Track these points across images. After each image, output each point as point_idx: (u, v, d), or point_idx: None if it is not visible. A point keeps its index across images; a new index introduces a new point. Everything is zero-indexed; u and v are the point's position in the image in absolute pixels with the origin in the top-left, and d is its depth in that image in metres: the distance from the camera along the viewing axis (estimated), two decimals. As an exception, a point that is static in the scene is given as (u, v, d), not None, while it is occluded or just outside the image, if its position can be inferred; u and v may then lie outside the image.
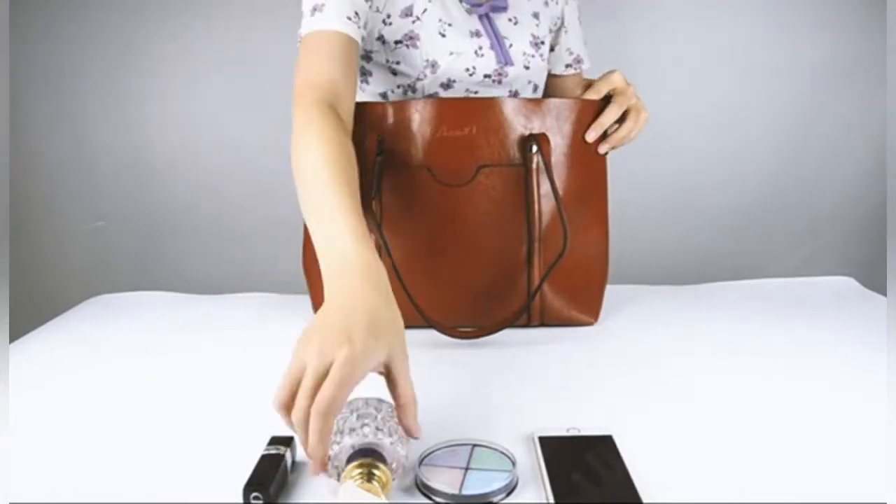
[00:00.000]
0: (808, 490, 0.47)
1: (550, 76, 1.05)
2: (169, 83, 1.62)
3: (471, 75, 0.89)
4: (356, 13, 0.81)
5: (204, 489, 0.48)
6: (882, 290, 0.87)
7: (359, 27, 0.81)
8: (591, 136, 0.81)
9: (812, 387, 0.64)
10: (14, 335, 0.80)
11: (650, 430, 0.55)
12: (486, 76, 0.90)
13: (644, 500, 0.44)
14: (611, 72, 0.83)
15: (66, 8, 1.56)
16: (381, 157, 0.77)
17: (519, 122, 0.79)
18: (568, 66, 1.03)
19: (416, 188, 0.78)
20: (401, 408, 0.51)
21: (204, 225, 1.68)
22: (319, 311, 0.52)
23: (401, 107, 0.78)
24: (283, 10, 1.54)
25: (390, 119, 0.78)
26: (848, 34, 1.62)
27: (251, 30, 1.57)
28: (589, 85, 0.86)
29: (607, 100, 0.82)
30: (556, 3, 0.98)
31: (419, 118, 0.78)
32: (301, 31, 0.80)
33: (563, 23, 1.00)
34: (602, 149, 0.82)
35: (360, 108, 0.78)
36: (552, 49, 1.03)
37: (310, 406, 0.46)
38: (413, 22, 0.86)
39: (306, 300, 0.86)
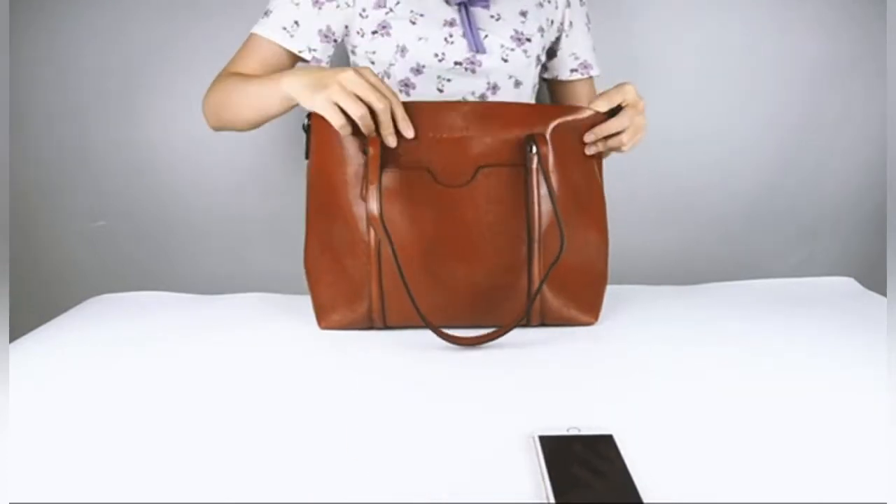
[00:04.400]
0: (808, 490, 0.47)
1: (558, 82, 1.05)
2: (170, 82, 1.61)
3: (440, 61, 0.91)
4: (296, 22, 0.92)
5: (204, 489, 0.49)
6: (882, 290, 0.87)
7: (292, 36, 0.93)
8: (589, 137, 0.80)
9: (812, 387, 0.64)
10: (14, 335, 0.80)
11: (650, 429, 0.55)
12: (456, 63, 0.92)
13: (644, 500, 0.45)
14: (624, 83, 0.82)
15: (67, 6, 1.56)
16: (382, 156, 0.78)
17: (516, 124, 0.79)
18: (573, 70, 1.04)
19: (415, 189, 0.78)
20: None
21: (205, 225, 1.67)
22: (297, 83, 0.76)
23: None
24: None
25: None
26: (846, 33, 1.61)
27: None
28: (600, 96, 0.86)
29: (611, 112, 0.81)
30: (556, 7, 0.99)
31: (418, 121, 0.78)
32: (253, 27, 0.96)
33: (563, 27, 1.00)
34: (589, 150, 0.81)
35: None
36: (555, 54, 1.03)
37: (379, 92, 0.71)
38: (386, 13, 0.91)
39: (307, 300, 0.86)
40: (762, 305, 0.90)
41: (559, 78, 1.05)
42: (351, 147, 0.78)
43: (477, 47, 0.92)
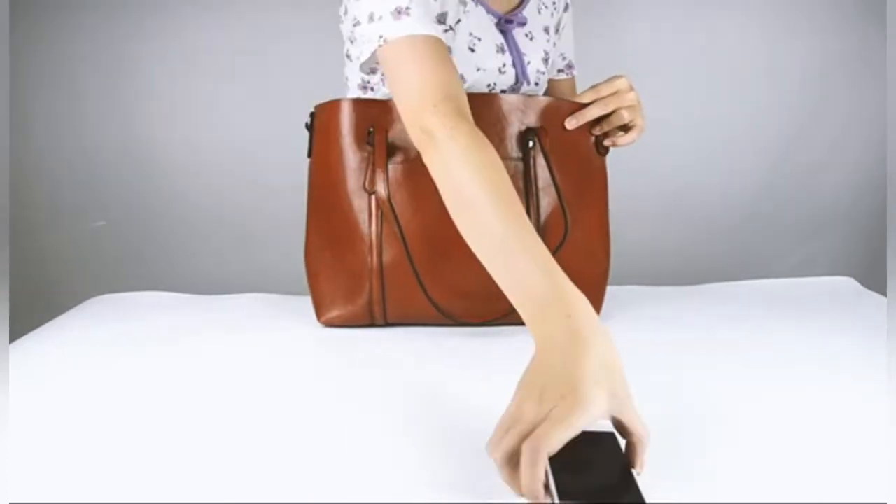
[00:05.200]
0: (808, 490, 0.47)
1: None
2: (171, 82, 1.62)
3: (490, 89, 0.88)
4: (436, 16, 0.77)
5: (204, 489, 0.48)
6: (882, 290, 0.87)
7: (444, 30, 0.77)
8: (570, 123, 0.81)
9: (812, 387, 0.64)
10: (14, 335, 0.79)
11: (651, 429, 0.55)
12: (502, 91, 0.90)
13: (646, 500, 0.44)
14: (617, 76, 0.83)
15: (67, 8, 1.56)
16: (386, 148, 0.78)
17: (515, 118, 0.80)
18: (560, 70, 1.04)
19: (417, 180, 0.79)
20: (634, 446, 0.48)
21: (205, 225, 1.68)
22: (542, 355, 0.51)
23: None
24: (287, 8, 1.54)
25: (390, 115, 0.79)
26: (846, 33, 1.61)
27: (255, 28, 1.57)
28: (590, 89, 0.86)
29: None
30: (557, 10, 0.99)
31: None
32: (384, 33, 0.73)
33: (559, 29, 1.01)
34: (569, 123, 0.82)
35: (366, 103, 0.80)
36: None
37: (517, 444, 0.44)
38: (445, 31, 0.80)
39: (307, 300, 0.86)
40: (762, 305, 0.90)
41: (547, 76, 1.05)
42: (352, 144, 0.79)
43: (525, 78, 0.89)
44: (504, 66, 0.87)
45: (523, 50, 0.90)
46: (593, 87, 0.83)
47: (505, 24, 0.87)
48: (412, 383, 0.67)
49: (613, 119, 0.81)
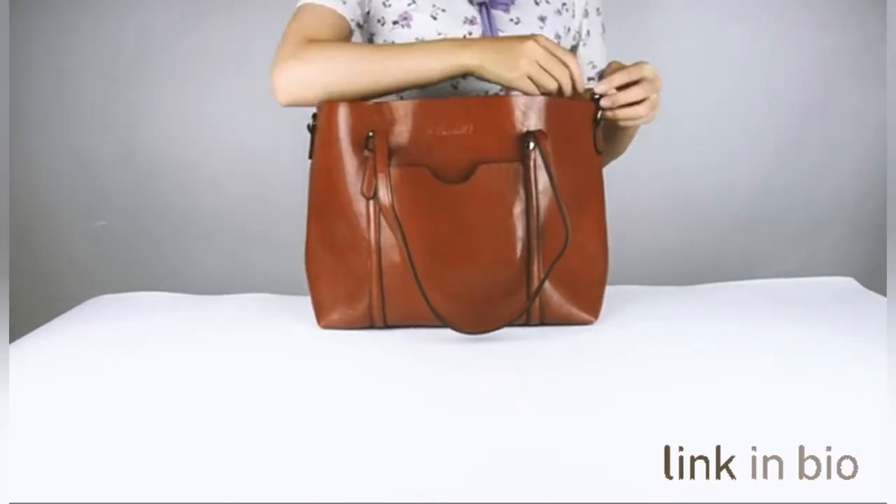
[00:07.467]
0: (807, 490, 0.47)
1: None
2: (170, 82, 1.62)
3: None
4: None
5: (204, 489, 0.48)
6: (882, 290, 0.87)
7: (344, 3, 0.89)
8: (605, 102, 0.81)
9: (812, 387, 0.64)
10: (14, 335, 0.79)
11: (650, 429, 0.55)
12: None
13: (644, 500, 0.44)
14: (644, 62, 0.83)
15: (67, 8, 1.56)
16: (388, 153, 0.78)
17: (516, 120, 0.79)
18: (590, 79, 1.04)
19: (415, 186, 0.79)
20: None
21: (205, 225, 1.68)
22: (485, 55, 0.78)
23: (399, 107, 0.79)
24: (286, 8, 1.54)
25: (389, 118, 0.79)
26: (847, 34, 1.62)
27: (254, 28, 1.57)
28: (619, 68, 0.84)
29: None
30: (573, 15, 0.99)
31: (417, 119, 0.79)
32: (298, 2, 0.89)
33: (581, 35, 1.01)
34: (605, 101, 0.81)
35: (360, 107, 0.79)
36: None
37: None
38: (409, 4, 0.92)
39: (307, 301, 0.86)
40: (762, 305, 0.90)
41: None
42: (349, 148, 0.79)
43: None
44: (470, 34, 0.93)
45: (500, 27, 0.94)
46: (621, 71, 0.82)
47: (478, 3, 0.93)
48: (411, 384, 0.67)
49: (629, 113, 0.81)
